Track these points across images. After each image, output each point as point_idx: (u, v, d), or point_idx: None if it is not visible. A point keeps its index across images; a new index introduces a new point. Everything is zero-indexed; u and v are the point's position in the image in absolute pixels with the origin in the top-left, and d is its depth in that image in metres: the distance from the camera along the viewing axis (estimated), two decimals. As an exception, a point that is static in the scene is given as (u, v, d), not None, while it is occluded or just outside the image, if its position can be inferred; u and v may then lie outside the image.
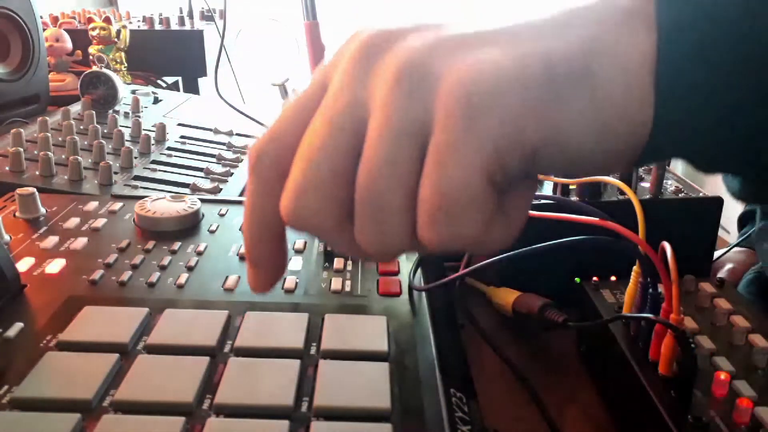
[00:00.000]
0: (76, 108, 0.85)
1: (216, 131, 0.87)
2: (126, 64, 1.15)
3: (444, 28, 0.22)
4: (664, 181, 0.54)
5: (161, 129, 0.80)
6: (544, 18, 0.22)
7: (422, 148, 0.21)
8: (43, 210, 0.51)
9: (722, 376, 0.35)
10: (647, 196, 0.53)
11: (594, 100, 0.21)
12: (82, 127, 0.77)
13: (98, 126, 0.76)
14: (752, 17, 0.21)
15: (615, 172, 0.55)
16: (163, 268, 0.43)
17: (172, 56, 1.25)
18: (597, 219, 0.38)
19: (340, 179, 0.22)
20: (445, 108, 0.21)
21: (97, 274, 0.41)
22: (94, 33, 1.12)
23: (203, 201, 0.53)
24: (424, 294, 0.41)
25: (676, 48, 0.21)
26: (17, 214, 0.50)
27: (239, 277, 0.42)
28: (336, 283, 0.42)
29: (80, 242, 0.46)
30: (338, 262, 0.44)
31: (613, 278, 0.47)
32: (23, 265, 0.42)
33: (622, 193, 0.46)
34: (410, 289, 0.42)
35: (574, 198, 0.52)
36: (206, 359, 0.33)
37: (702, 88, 0.21)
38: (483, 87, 0.20)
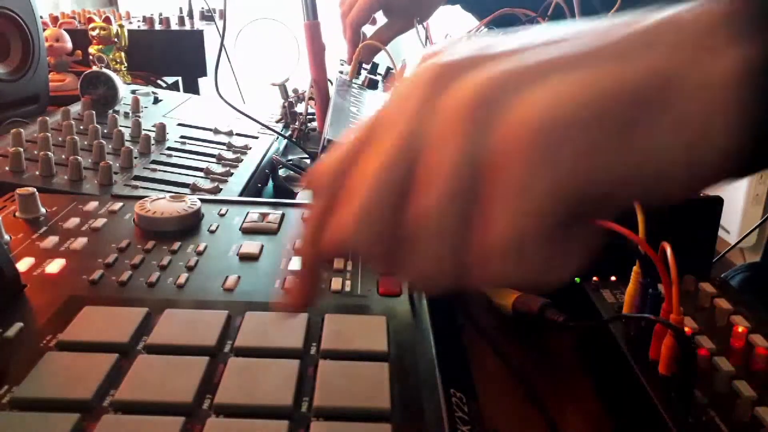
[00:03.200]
0: (76, 108, 0.85)
1: (216, 131, 0.87)
2: (126, 64, 1.15)
3: (516, 55, 0.21)
4: (664, 181, 0.54)
5: (161, 129, 0.80)
6: (623, 36, 0.20)
7: (483, 185, 0.20)
8: (43, 210, 0.51)
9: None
10: (647, 196, 0.53)
11: (675, 127, 0.19)
12: (82, 127, 0.77)
13: (98, 126, 0.76)
14: None
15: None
16: (163, 268, 0.43)
17: (172, 56, 1.25)
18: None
19: (393, 210, 0.21)
20: (512, 147, 0.19)
21: (97, 274, 0.41)
22: (94, 33, 1.12)
23: (203, 201, 0.53)
24: (424, 294, 0.41)
25: None
26: (17, 214, 0.50)
27: (239, 277, 0.42)
28: (336, 283, 0.42)
29: (80, 242, 0.46)
30: (338, 262, 0.44)
31: (613, 278, 0.46)
32: (23, 265, 0.42)
33: (622, 193, 0.46)
34: (410, 289, 0.42)
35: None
36: (206, 359, 0.33)
37: None
38: (552, 126, 0.19)
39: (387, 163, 0.21)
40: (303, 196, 0.65)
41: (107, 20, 1.16)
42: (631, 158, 0.19)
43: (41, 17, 1.00)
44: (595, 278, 0.46)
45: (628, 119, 0.19)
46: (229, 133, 0.87)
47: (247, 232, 0.49)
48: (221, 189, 0.67)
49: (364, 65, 0.96)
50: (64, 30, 1.17)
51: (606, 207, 0.21)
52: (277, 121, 0.98)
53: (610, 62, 0.20)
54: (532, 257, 0.20)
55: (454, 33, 0.84)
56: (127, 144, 0.73)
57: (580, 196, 0.19)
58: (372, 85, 0.92)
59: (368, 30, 0.93)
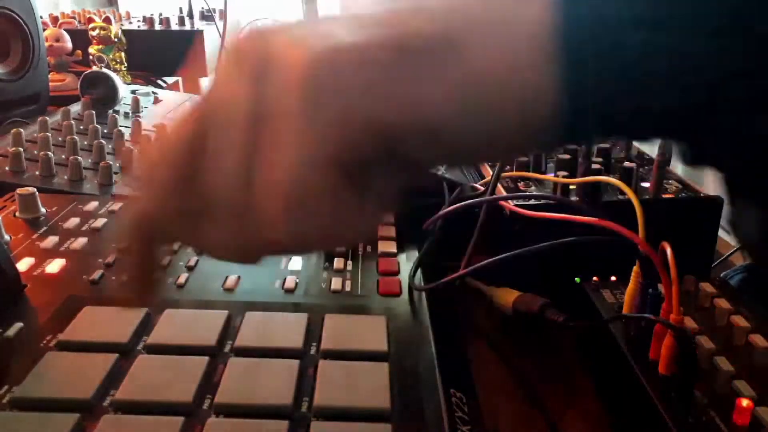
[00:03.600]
0: (76, 108, 0.85)
1: (216, 131, 0.87)
2: (126, 64, 1.15)
3: (306, 23, 0.21)
4: (664, 181, 0.54)
5: (161, 129, 0.79)
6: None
7: (263, 137, 0.20)
8: (43, 210, 0.51)
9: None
10: (647, 196, 0.53)
11: (465, 75, 0.19)
12: (82, 127, 0.77)
13: (98, 126, 0.76)
14: None
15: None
16: (163, 268, 0.43)
17: (172, 56, 1.25)
18: (597, 219, 0.38)
19: (186, 183, 0.21)
20: (283, 94, 0.19)
21: (97, 274, 0.41)
22: (94, 33, 1.12)
23: (203, 201, 0.53)
24: (424, 294, 0.41)
25: (580, 11, 0.18)
26: (17, 214, 0.50)
27: (239, 277, 0.42)
28: (336, 283, 0.42)
29: (80, 242, 0.46)
30: (338, 262, 0.44)
31: (613, 278, 0.46)
32: (23, 265, 0.42)
33: (622, 193, 0.46)
34: (410, 289, 0.42)
35: (574, 198, 0.52)
36: (206, 359, 0.33)
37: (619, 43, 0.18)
38: (320, 70, 0.19)
39: (182, 136, 0.21)
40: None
41: (107, 20, 1.16)
42: (405, 105, 0.19)
43: (41, 17, 1.00)
44: (595, 278, 0.46)
45: (402, 68, 0.19)
46: (229, 133, 0.87)
47: (247, 232, 0.49)
48: (221, 189, 0.67)
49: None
50: (64, 30, 1.17)
51: (396, 155, 0.20)
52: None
53: (388, 16, 0.20)
54: (318, 209, 0.20)
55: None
56: (127, 144, 0.73)
57: (355, 143, 0.19)
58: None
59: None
